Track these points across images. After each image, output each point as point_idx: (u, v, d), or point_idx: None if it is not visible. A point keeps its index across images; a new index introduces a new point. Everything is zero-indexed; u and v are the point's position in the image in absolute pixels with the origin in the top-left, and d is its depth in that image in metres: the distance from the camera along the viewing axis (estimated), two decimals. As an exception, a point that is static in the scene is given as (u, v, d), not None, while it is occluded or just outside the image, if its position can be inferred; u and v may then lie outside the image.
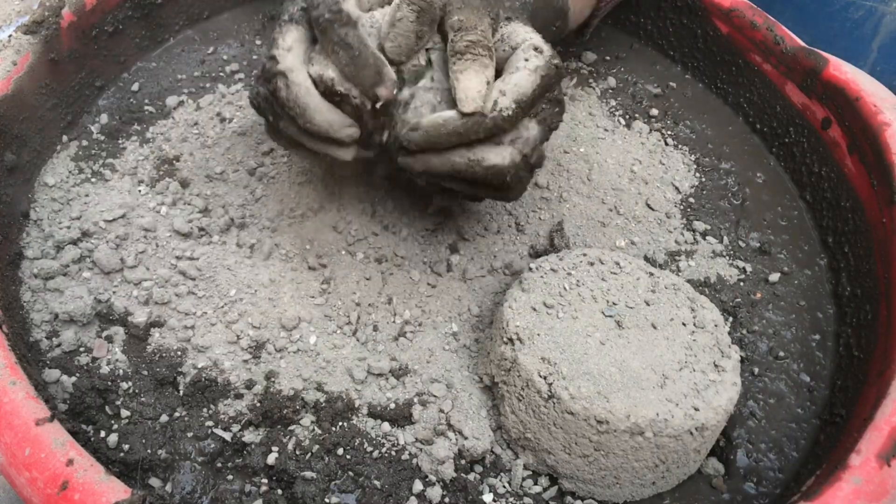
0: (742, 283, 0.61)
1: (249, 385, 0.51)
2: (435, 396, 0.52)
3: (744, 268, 0.62)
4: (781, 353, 0.57)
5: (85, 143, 0.64)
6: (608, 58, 0.78)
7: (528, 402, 0.48)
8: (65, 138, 0.63)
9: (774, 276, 0.61)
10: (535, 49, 0.49)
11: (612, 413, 0.46)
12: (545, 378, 0.48)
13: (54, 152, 0.62)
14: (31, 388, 0.43)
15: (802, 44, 0.65)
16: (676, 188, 0.66)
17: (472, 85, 0.46)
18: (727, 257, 0.62)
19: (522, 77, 0.48)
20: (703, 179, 0.68)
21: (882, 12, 0.82)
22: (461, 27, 0.49)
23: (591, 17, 0.64)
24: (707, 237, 0.63)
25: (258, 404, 0.50)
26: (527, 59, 0.49)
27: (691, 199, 0.66)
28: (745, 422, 0.53)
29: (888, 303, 0.54)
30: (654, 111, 0.72)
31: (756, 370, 0.56)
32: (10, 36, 0.60)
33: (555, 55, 0.50)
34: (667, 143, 0.70)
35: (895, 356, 0.49)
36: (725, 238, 0.64)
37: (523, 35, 0.51)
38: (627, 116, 0.71)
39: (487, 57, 0.48)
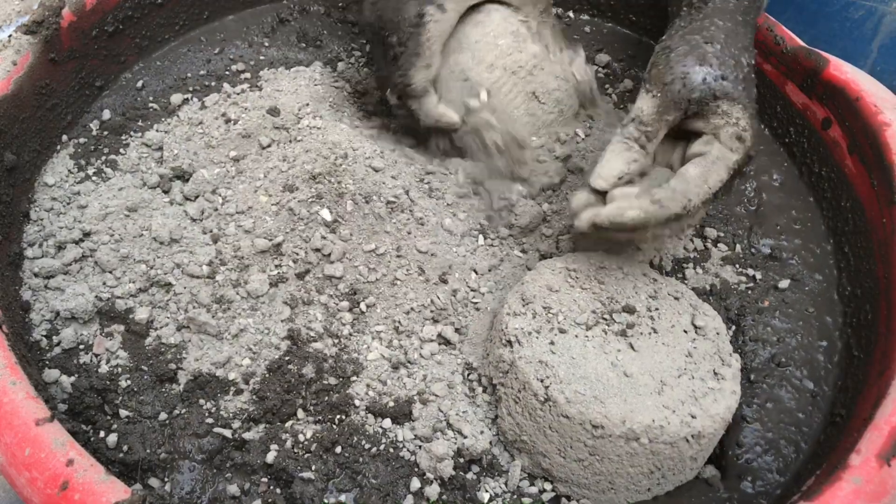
0: (749, 291, 0.60)
1: (248, 379, 0.51)
2: (436, 395, 0.52)
3: (753, 276, 0.61)
4: (783, 360, 0.56)
5: (85, 140, 0.64)
6: (621, 58, 0.77)
7: (524, 405, 0.48)
8: (65, 138, 0.63)
9: (784, 283, 0.60)
10: (739, 139, 0.51)
11: (608, 418, 0.45)
12: (542, 381, 0.47)
13: (54, 152, 0.62)
14: (31, 388, 0.43)
15: (802, 44, 0.65)
16: None
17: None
18: (737, 265, 0.61)
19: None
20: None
21: (882, 12, 0.82)
22: None
23: None
24: (718, 244, 0.63)
25: (257, 399, 0.50)
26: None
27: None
28: (744, 427, 0.53)
29: (888, 303, 0.54)
30: None
31: (753, 376, 0.55)
32: (10, 36, 0.60)
33: (754, 142, 0.52)
34: None
35: (895, 356, 0.49)
36: (738, 246, 0.63)
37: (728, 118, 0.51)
38: None
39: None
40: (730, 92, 0.51)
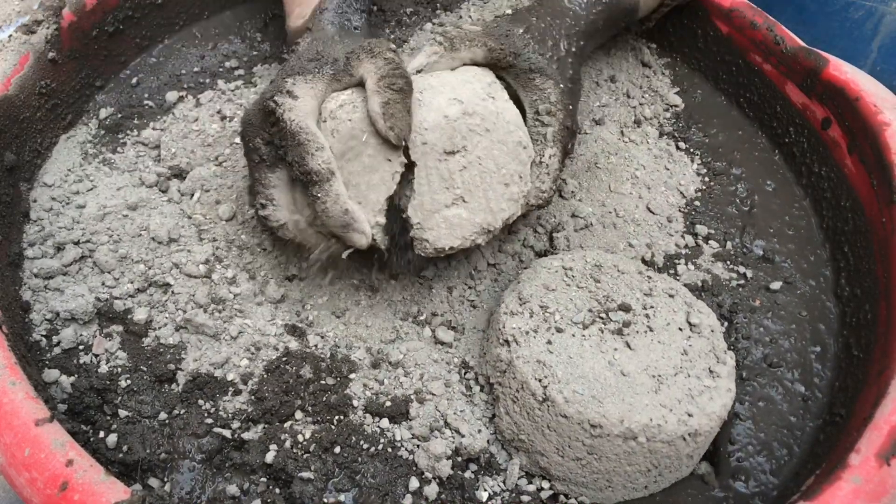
0: (741, 289, 0.60)
1: (246, 380, 0.51)
2: (433, 394, 0.52)
3: (744, 273, 0.61)
4: (776, 361, 0.56)
5: (84, 140, 0.64)
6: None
7: (522, 404, 0.48)
8: (64, 138, 0.63)
9: (776, 285, 0.60)
10: (548, 113, 0.55)
11: (606, 417, 0.46)
12: (540, 381, 0.47)
13: (55, 152, 0.62)
14: (30, 389, 0.43)
15: (802, 44, 0.65)
16: (681, 192, 0.65)
17: None
18: (728, 262, 0.62)
19: (551, 158, 0.54)
20: (712, 184, 0.67)
21: (882, 12, 0.82)
22: None
23: (660, 7, 0.67)
24: (709, 241, 0.63)
25: (256, 399, 0.50)
26: (546, 127, 0.55)
27: (696, 203, 0.65)
28: (736, 424, 0.53)
29: (888, 303, 0.54)
30: (667, 114, 0.71)
31: (745, 374, 0.55)
32: (10, 36, 0.60)
33: (567, 115, 0.55)
34: (678, 148, 0.69)
35: (895, 356, 0.49)
36: (728, 243, 0.63)
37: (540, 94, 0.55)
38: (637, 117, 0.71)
39: None
40: (543, 68, 0.55)
